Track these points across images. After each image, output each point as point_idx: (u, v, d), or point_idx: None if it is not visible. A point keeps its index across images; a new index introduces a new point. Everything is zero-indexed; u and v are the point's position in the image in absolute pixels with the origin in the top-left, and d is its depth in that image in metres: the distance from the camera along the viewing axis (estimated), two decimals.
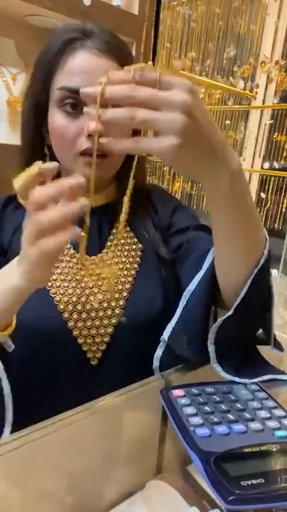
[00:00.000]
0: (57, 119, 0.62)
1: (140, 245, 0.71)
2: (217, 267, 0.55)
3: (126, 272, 0.68)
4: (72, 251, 0.67)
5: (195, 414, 0.52)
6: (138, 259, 0.70)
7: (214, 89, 2.06)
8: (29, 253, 0.42)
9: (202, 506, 0.46)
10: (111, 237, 0.70)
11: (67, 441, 0.48)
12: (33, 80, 0.65)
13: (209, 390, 0.58)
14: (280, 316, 1.81)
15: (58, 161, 0.64)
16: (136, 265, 0.69)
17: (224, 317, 0.53)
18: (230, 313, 0.53)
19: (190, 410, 0.52)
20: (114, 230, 0.71)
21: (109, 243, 0.70)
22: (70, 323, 0.63)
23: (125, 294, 0.66)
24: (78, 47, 0.60)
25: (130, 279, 0.68)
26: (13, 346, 0.55)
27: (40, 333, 0.61)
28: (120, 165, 0.68)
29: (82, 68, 0.59)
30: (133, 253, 0.70)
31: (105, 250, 0.69)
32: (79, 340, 0.63)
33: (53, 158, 0.67)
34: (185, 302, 0.62)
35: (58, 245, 0.40)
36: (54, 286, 0.64)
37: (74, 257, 0.66)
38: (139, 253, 0.71)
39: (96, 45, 0.60)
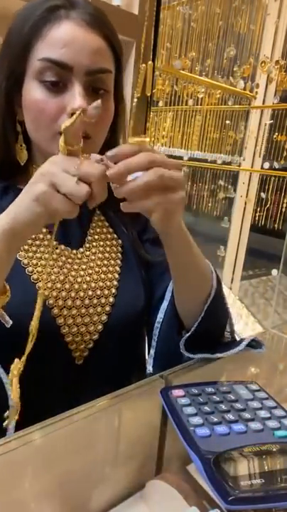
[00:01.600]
0: (36, 92, 0.56)
1: (119, 241, 0.70)
2: (175, 299, 0.64)
3: (111, 268, 0.67)
4: (54, 242, 0.63)
5: (195, 414, 0.52)
6: (119, 254, 0.69)
7: (214, 89, 2.06)
8: (46, 194, 0.44)
9: (202, 506, 0.46)
10: (92, 230, 0.68)
11: (67, 440, 0.48)
12: (8, 48, 0.59)
13: (209, 390, 0.58)
14: (279, 316, 1.81)
15: (30, 140, 0.62)
16: (118, 261, 0.68)
17: (185, 337, 0.62)
18: (188, 334, 0.62)
19: (190, 410, 0.52)
20: (93, 224, 0.69)
21: (89, 237, 0.67)
22: (60, 320, 0.60)
23: (113, 291, 0.65)
24: (63, 16, 0.55)
25: (116, 275, 0.67)
26: (10, 322, 0.53)
27: (26, 330, 0.55)
28: (99, 149, 0.63)
29: (68, 40, 0.54)
30: (114, 249, 0.69)
31: (88, 245, 0.66)
32: (67, 339, 0.61)
33: (26, 135, 0.62)
34: (157, 333, 0.68)
35: (67, 212, 0.45)
36: (40, 278, 0.60)
37: (57, 248, 0.63)
38: (120, 249, 0.70)
39: (82, 16, 0.55)
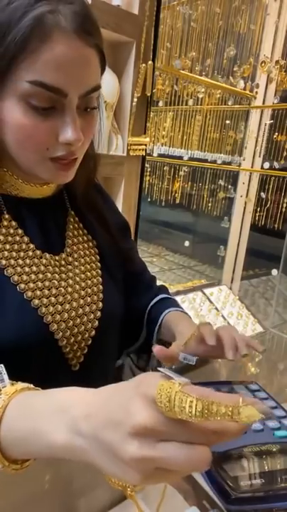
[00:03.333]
0: (22, 116, 0.50)
1: (94, 241, 0.70)
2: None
3: (94, 272, 0.67)
4: (38, 251, 0.61)
5: None
6: (97, 256, 0.69)
7: (214, 89, 2.06)
8: (133, 475, 0.30)
9: (202, 506, 0.46)
10: (70, 233, 0.67)
11: None
12: None
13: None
14: (280, 316, 1.81)
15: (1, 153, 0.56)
16: (98, 263, 0.69)
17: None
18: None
19: None
20: (70, 226, 0.68)
21: (68, 240, 0.66)
22: (53, 327, 0.59)
23: (100, 295, 0.66)
24: (51, 25, 0.47)
25: (99, 279, 0.67)
26: None
27: (22, 343, 0.55)
28: None
29: (61, 62, 0.48)
30: (91, 251, 0.69)
31: (68, 249, 0.65)
32: (62, 343, 0.60)
33: None
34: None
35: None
36: (27, 288, 0.58)
37: (41, 258, 0.61)
38: (97, 250, 0.70)
39: (71, 21, 0.48)
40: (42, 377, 0.55)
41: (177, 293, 2.02)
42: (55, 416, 0.35)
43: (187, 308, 1.95)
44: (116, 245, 0.72)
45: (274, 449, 0.49)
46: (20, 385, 0.42)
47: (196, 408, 0.27)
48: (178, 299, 1.97)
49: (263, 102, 2.11)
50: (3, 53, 0.47)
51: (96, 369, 0.65)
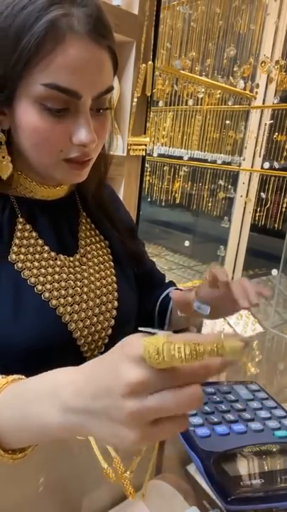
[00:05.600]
0: (37, 118, 0.51)
1: (107, 242, 0.71)
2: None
3: (108, 272, 0.68)
4: (52, 253, 0.62)
5: (195, 414, 0.52)
6: (110, 256, 0.70)
7: (214, 89, 2.06)
8: (131, 435, 0.31)
9: (202, 506, 0.46)
10: (82, 234, 0.67)
11: (67, 440, 0.48)
12: None
13: (209, 390, 0.58)
14: (280, 316, 1.81)
15: (11, 149, 0.57)
16: (111, 263, 0.69)
17: None
18: None
19: None
20: (82, 227, 0.68)
21: (81, 241, 0.67)
22: (71, 326, 0.60)
23: (116, 294, 0.67)
24: (65, 30, 0.48)
25: (113, 278, 0.68)
26: None
27: (42, 343, 0.56)
28: None
29: (76, 66, 0.49)
30: (104, 251, 0.70)
31: (82, 250, 0.66)
32: (79, 342, 0.61)
33: (9, 144, 0.56)
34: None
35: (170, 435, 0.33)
36: (44, 289, 0.59)
37: (56, 259, 0.62)
38: (109, 250, 0.71)
39: (84, 26, 0.49)
40: None
41: None
42: (47, 398, 0.36)
43: None
44: (126, 245, 0.74)
45: (274, 449, 0.49)
46: (12, 376, 0.43)
47: (185, 352, 0.28)
48: None
49: (263, 102, 2.11)
50: (17, 58, 0.48)
51: None
